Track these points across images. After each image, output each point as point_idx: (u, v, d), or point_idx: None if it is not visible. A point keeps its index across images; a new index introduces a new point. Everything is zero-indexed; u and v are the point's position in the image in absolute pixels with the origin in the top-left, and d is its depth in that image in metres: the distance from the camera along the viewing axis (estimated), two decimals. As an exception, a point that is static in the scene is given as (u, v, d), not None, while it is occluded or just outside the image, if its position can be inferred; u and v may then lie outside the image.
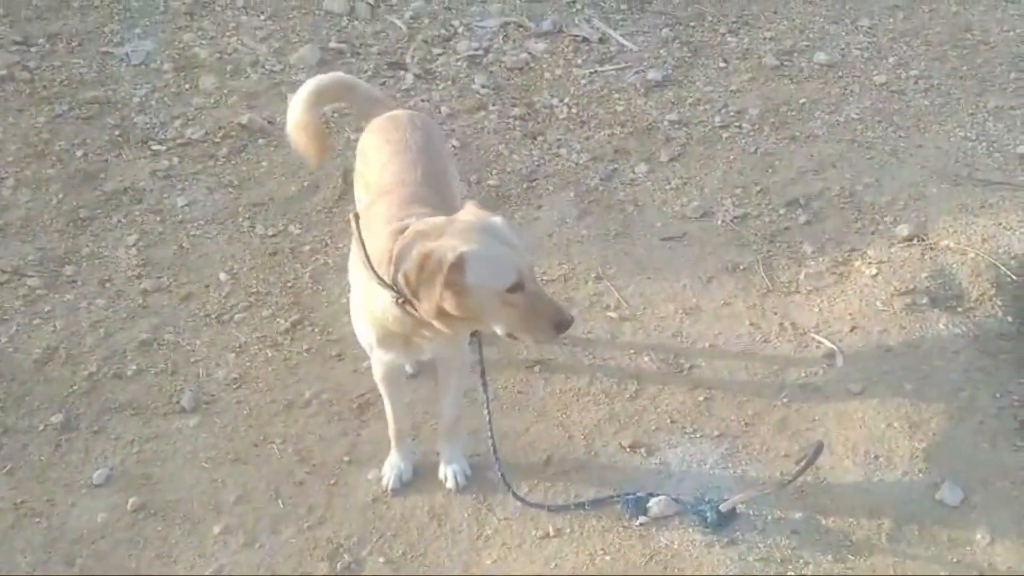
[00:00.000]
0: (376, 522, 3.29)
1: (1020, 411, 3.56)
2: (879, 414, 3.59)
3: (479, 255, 2.57)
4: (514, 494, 3.26)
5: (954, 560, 3.10)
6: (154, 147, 4.89)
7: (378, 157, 3.27)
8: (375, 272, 2.71)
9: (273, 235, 4.45)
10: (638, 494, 3.29)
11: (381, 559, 3.16)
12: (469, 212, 2.78)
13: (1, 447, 3.50)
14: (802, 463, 3.05)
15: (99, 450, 3.49)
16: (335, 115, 4.96)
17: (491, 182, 4.88)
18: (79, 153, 4.80)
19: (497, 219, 2.74)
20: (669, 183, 4.89)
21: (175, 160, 4.82)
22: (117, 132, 4.94)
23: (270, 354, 3.90)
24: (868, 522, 3.21)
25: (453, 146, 5.14)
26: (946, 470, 3.36)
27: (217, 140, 4.94)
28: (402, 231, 2.73)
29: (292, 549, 3.18)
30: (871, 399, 3.65)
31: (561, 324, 2.64)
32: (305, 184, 4.72)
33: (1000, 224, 4.41)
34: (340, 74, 3.80)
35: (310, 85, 3.49)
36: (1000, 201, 4.60)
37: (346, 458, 3.49)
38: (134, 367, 3.80)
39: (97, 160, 4.79)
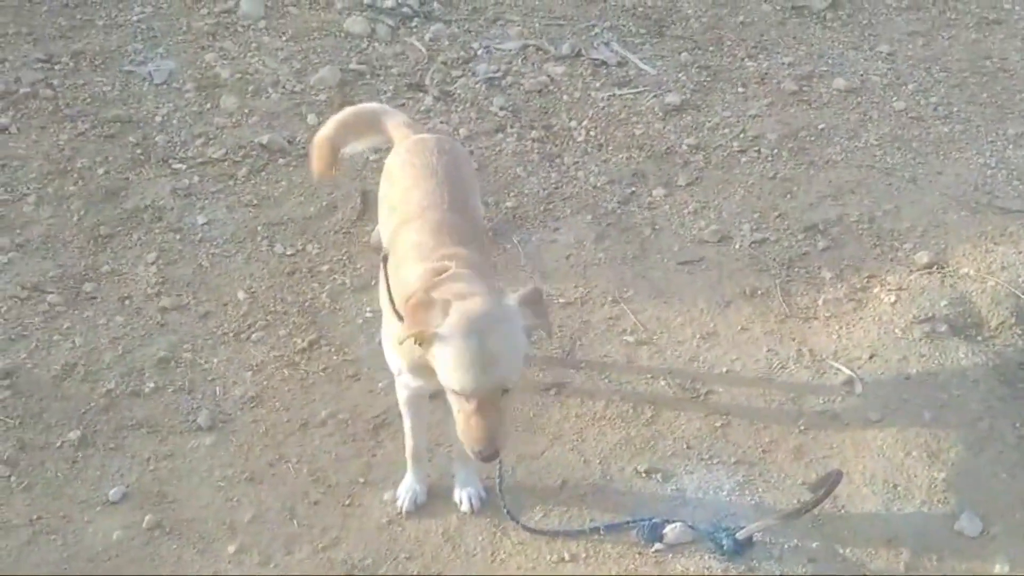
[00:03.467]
0: (390, 544, 3.28)
1: (1040, 442, 3.52)
2: (897, 443, 3.57)
3: (444, 348, 2.55)
4: (523, 526, 3.26)
5: (973, 592, 3.07)
6: (175, 165, 4.92)
7: (404, 180, 3.29)
8: (394, 307, 2.74)
9: (291, 254, 4.47)
10: (654, 520, 3.27)
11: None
12: (503, 294, 2.74)
13: (18, 463, 3.51)
14: (820, 492, 3.02)
15: (115, 467, 3.50)
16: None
17: (508, 204, 4.89)
18: (100, 171, 4.84)
19: (512, 307, 2.64)
20: (687, 207, 4.89)
21: (195, 179, 4.85)
22: (139, 150, 4.97)
23: (287, 373, 3.91)
24: (886, 552, 3.19)
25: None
26: (965, 500, 3.33)
27: (237, 159, 4.97)
28: (438, 273, 2.77)
29: (306, 569, 3.17)
30: (890, 427, 3.63)
31: (477, 455, 2.61)
32: (324, 204, 4.74)
33: (1021, 252, 4.39)
34: (384, 106, 4.03)
35: (354, 108, 3.91)
36: (1020, 230, 4.58)
37: (361, 479, 3.49)
38: (152, 384, 3.81)
39: (118, 178, 4.82)
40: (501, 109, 5.45)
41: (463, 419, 2.61)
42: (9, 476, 3.46)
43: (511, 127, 5.35)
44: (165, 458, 3.54)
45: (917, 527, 3.26)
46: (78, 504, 3.36)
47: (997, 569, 3.12)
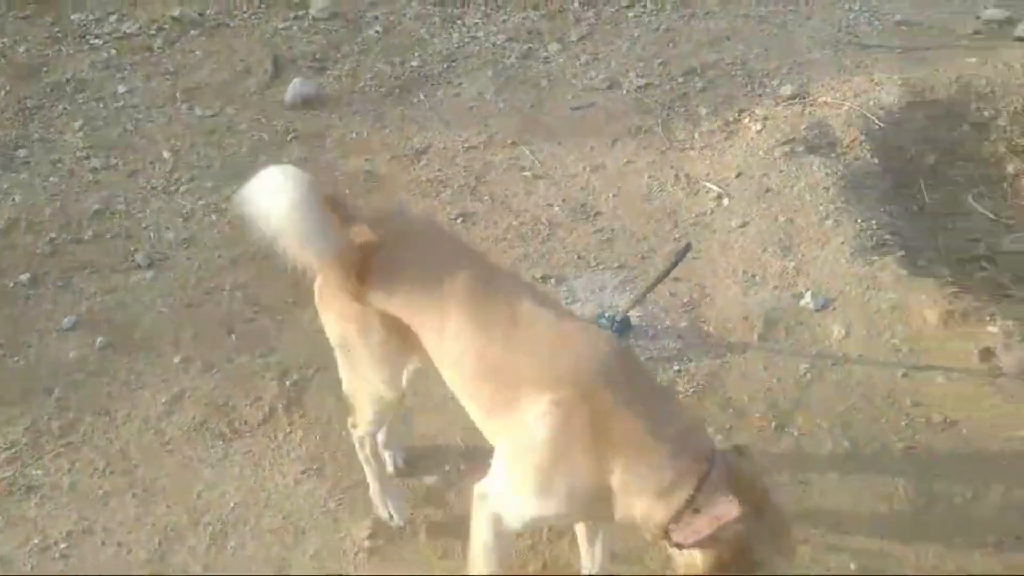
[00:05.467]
0: (322, 349, 3.72)
1: (877, 233, 4.08)
2: (756, 242, 4.10)
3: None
4: None
5: (814, 352, 3.63)
6: (92, 41, 5.16)
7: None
8: None
9: (211, 115, 4.79)
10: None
11: (326, 377, 3.60)
12: None
13: (-27, 305, 3.86)
14: (672, 261, 3.52)
15: (66, 302, 3.86)
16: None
17: (413, 63, 5.25)
18: (21, 49, 5.06)
19: None
20: (579, 60, 5.31)
21: (113, 52, 5.11)
22: (56, 29, 5.19)
23: (215, 219, 4.28)
24: (743, 325, 3.73)
25: (376, 32, 5.50)
26: (810, 283, 3.89)
27: (152, 33, 5.22)
28: None
29: (245, 373, 3.60)
30: (750, 230, 4.16)
31: None
32: (238, 70, 5.05)
33: (873, 81, 4.91)
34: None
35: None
36: (874, 62, 5.11)
37: (290, 300, 3.90)
38: (91, 233, 4.16)
39: (38, 55, 5.06)
40: (403, -23, 5.75)
41: None
42: (-33, 316, 3.82)
43: (413, -8, 5.66)
44: (109, 292, 3.92)
45: (769, 305, 3.80)
46: (35, 332, 3.73)
47: (835, 333, 3.68)
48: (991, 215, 4.39)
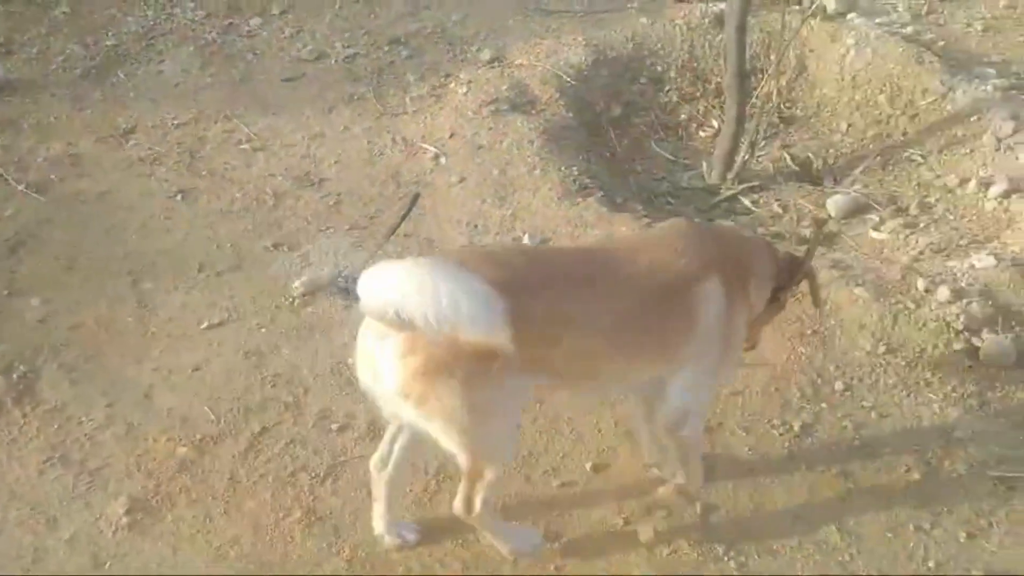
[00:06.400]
0: (47, 338, 3.57)
1: (579, 179, 4.51)
2: (475, 196, 4.40)
3: None
4: None
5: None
6: None
7: None
8: None
9: None
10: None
11: (55, 365, 3.46)
12: None
13: None
14: (404, 211, 3.70)
15: None
16: None
17: (108, 43, 5.06)
18: None
19: None
20: (283, 32, 5.36)
21: None
22: None
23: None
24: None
25: (64, 13, 5.21)
26: (527, 226, 4.24)
27: None
28: None
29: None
30: (469, 184, 4.45)
31: None
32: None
33: (561, 43, 5.36)
34: None
35: None
36: (561, 26, 5.57)
37: (5, 292, 3.70)
38: None
39: None
40: (86, -45, 5.48)
41: None
42: None
43: (99, -30, 5.41)
44: None
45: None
46: None
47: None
48: (670, 157, 4.97)
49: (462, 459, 2.56)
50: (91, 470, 3.13)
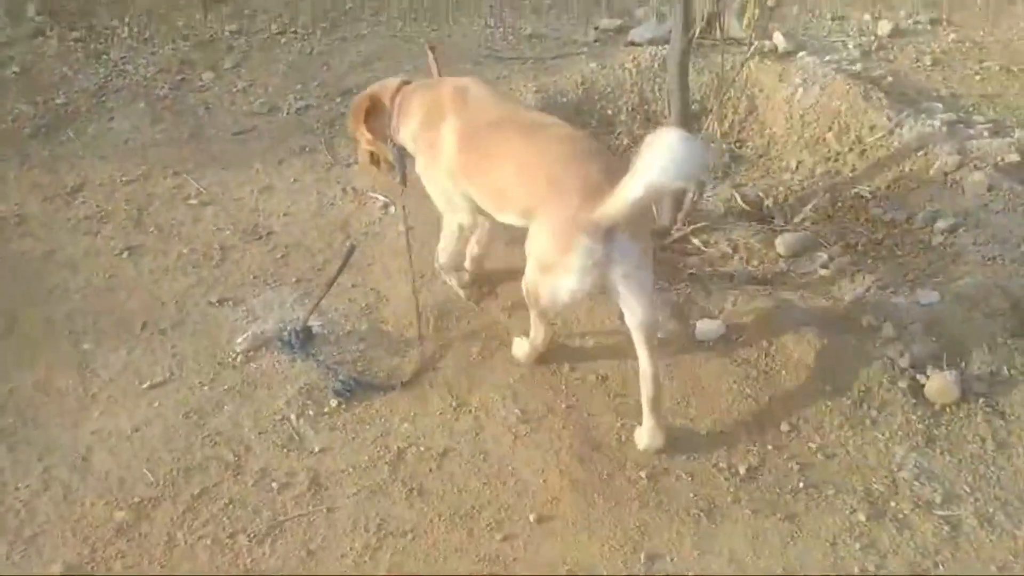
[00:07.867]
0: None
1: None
2: (424, 245, 4.38)
3: None
4: None
5: (483, 335, 3.94)
6: None
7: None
8: None
9: None
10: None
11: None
12: None
13: None
14: (341, 263, 3.70)
15: None
16: None
17: (58, 101, 5.05)
18: None
19: None
20: (235, 86, 5.36)
21: None
22: None
23: None
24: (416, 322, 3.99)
25: (13, 72, 5.22)
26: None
27: None
28: None
29: None
30: (417, 233, 4.43)
31: None
32: None
33: (513, 88, 5.38)
34: None
35: None
36: (512, 73, 5.60)
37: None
38: None
39: None
40: (37, 15, 5.50)
41: None
42: None
43: (50, 30, 5.43)
44: None
45: (440, 298, 4.07)
46: None
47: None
48: (624, 199, 4.97)
49: None
50: (26, 538, 3.08)
